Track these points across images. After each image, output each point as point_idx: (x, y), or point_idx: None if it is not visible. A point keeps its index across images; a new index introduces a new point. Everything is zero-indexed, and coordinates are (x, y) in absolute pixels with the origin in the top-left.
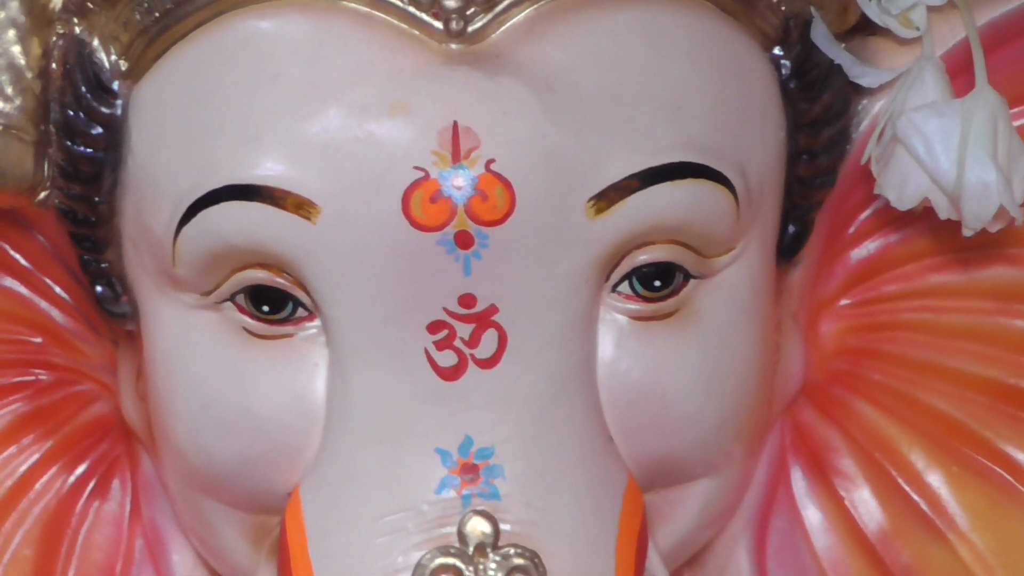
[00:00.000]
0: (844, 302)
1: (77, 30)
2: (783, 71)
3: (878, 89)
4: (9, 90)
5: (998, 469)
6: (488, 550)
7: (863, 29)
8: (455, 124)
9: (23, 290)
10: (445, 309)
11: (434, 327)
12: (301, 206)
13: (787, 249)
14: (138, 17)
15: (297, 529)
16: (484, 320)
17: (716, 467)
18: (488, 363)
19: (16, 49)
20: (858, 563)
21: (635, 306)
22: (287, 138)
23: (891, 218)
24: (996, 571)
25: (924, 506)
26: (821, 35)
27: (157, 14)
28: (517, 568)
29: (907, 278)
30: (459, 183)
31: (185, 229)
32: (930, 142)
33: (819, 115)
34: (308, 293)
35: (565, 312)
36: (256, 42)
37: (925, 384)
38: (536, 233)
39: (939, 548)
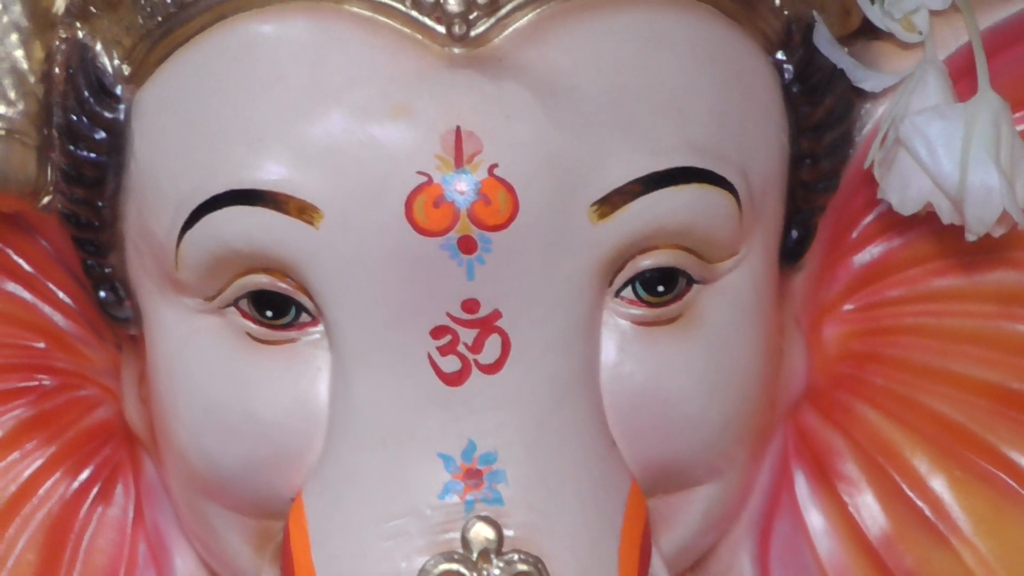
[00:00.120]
0: (847, 306)
1: (80, 34)
2: (785, 75)
3: (881, 93)
4: (12, 94)
5: (1001, 474)
6: (492, 556)
7: (866, 33)
8: (458, 128)
9: (26, 295)
10: (448, 314)
11: (437, 332)
12: (304, 210)
13: (790, 253)
14: (141, 21)
15: (300, 533)
16: (488, 325)
17: (719, 471)
18: (491, 368)
19: (19, 53)
20: (861, 567)
21: (638, 311)
22: (289, 141)
23: (894, 222)
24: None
25: (927, 511)
26: (823, 39)
27: (160, 18)
28: (521, 573)
29: (910, 282)
30: (462, 188)
31: (188, 234)
32: (933, 146)
33: (822, 119)
34: (311, 298)
35: (568, 317)
36: (258, 46)
37: (928, 388)
38: (539, 238)
39: (942, 553)
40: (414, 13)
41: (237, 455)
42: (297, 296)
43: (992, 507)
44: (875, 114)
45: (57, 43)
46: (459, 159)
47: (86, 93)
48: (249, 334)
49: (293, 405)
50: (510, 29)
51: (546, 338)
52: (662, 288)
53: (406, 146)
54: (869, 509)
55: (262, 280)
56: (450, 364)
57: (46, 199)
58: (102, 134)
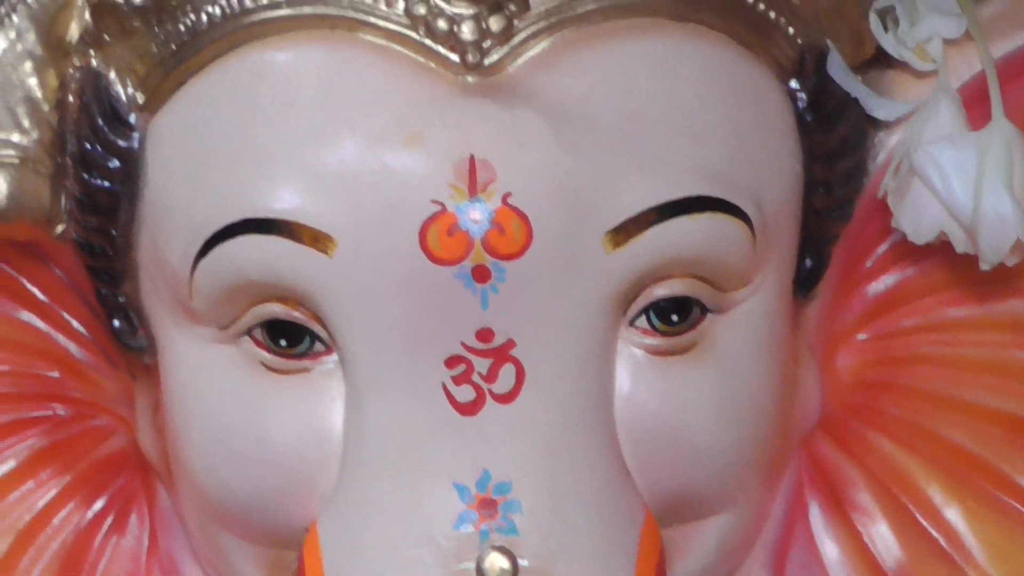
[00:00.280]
0: (861, 336)
1: (94, 62)
2: (799, 103)
3: (894, 122)
4: (26, 122)
5: (1015, 503)
6: None
7: (879, 61)
8: (471, 157)
9: (40, 324)
10: (463, 343)
11: (452, 362)
12: (317, 239)
13: (804, 282)
14: (155, 49)
15: (315, 563)
16: (502, 355)
17: (734, 501)
18: (506, 398)
19: (33, 81)
20: None
21: (652, 340)
22: (303, 170)
23: (908, 251)
24: None
25: (942, 540)
26: (837, 67)
27: (174, 46)
28: None
29: (924, 311)
30: (476, 216)
31: (202, 263)
32: (946, 175)
33: (835, 147)
34: (325, 327)
35: (582, 346)
36: (273, 74)
37: (942, 418)
38: (553, 266)
39: None
40: (428, 41)
41: (251, 484)
42: (311, 325)
43: (1007, 536)
44: (889, 143)
45: (71, 71)
46: (473, 187)
47: (100, 121)
48: (263, 363)
49: (307, 434)
50: (524, 57)
51: (560, 367)
52: (676, 317)
53: (420, 174)
54: (884, 539)
55: (276, 309)
56: (464, 393)
57: (60, 227)
58: (116, 162)
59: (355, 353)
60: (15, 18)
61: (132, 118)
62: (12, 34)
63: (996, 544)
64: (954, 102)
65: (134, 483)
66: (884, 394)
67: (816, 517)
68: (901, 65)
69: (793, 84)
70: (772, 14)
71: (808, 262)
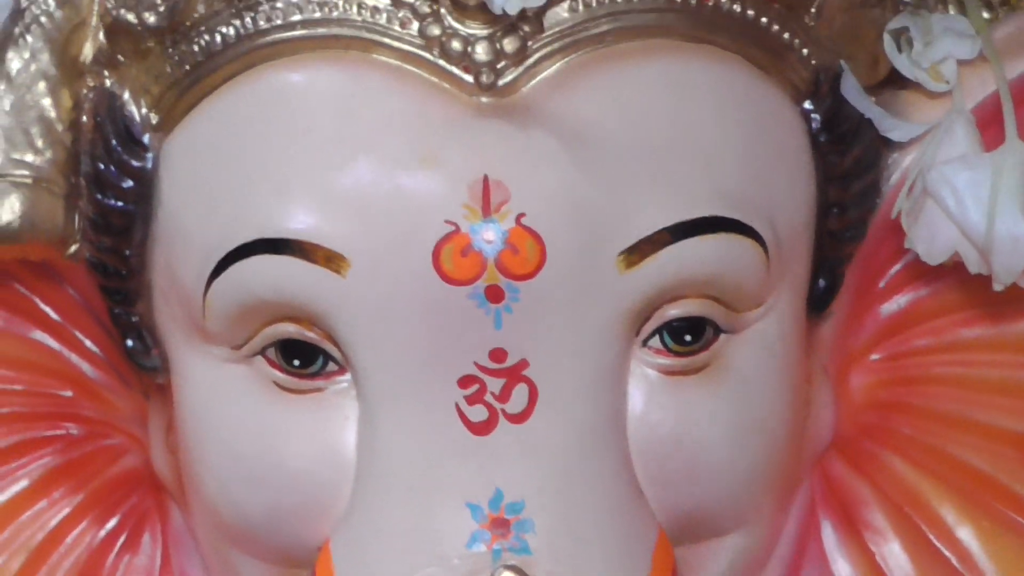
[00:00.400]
0: (874, 356)
1: (108, 82)
2: (813, 124)
3: (908, 142)
4: (40, 143)
5: None
6: None
7: (893, 82)
8: (485, 177)
9: (53, 343)
10: (476, 364)
11: (465, 382)
12: (331, 260)
13: (817, 302)
14: (169, 69)
15: None
16: (515, 375)
17: (746, 520)
18: (519, 418)
19: (47, 101)
20: None
21: (666, 361)
22: (318, 191)
23: (921, 272)
24: None
25: (954, 560)
26: (851, 88)
27: (188, 67)
28: None
29: (937, 332)
30: (490, 237)
31: (215, 282)
32: (960, 195)
33: (849, 168)
34: (338, 347)
35: (596, 366)
36: (287, 95)
37: (955, 438)
38: (567, 287)
39: None
40: (442, 62)
41: (264, 504)
42: (324, 345)
43: (1019, 557)
44: (902, 163)
45: (85, 91)
46: (487, 208)
47: (114, 142)
48: (276, 383)
49: (320, 454)
50: (538, 78)
51: (573, 387)
52: (689, 337)
53: (434, 195)
54: (896, 559)
55: (289, 329)
56: (477, 413)
57: (73, 248)
58: (130, 183)
59: (368, 373)
60: (29, 38)
61: (146, 138)
62: (27, 54)
63: (1009, 564)
64: (968, 123)
65: (147, 502)
66: (897, 414)
67: (829, 537)
68: (915, 86)
69: (807, 105)
70: (786, 35)
71: (821, 282)
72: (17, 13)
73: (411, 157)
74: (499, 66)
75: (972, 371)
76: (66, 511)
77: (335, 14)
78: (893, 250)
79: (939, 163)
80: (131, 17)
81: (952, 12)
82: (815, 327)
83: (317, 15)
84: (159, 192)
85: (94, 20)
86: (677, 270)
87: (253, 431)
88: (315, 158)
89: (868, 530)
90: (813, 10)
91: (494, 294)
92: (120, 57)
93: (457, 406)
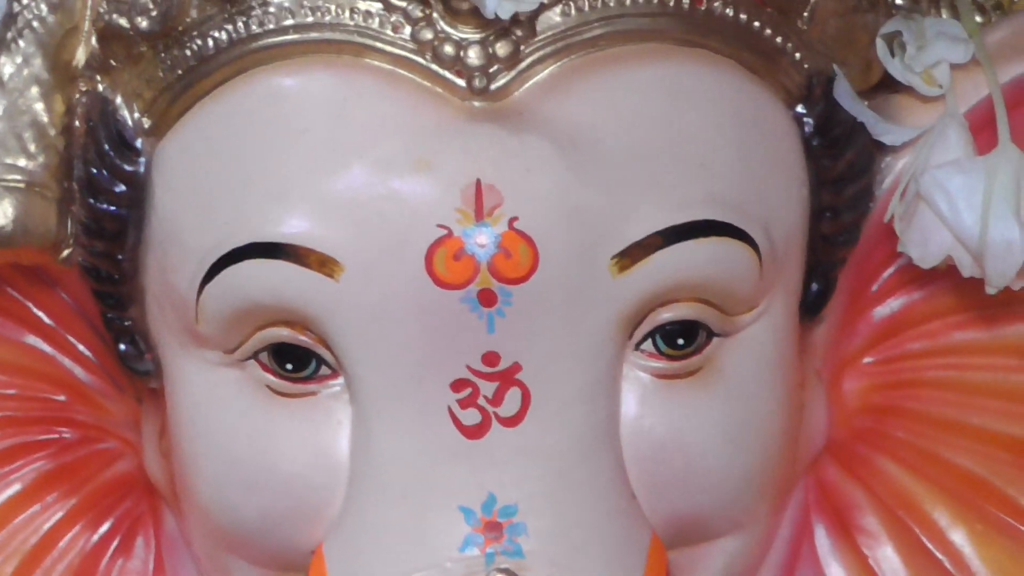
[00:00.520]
0: (867, 360)
1: (100, 87)
2: (806, 128)
3: (901, 146)
4: (32, 147)
5: (1022, 527)
6: None
7: (886, 86)
8: (478, 181)
9: (46, 348)
10: (468, 367)
11: (457, 385)
12: (324, 264)
13: (810, 306)
14: (161, 74)
15: None
16: (507, 378)
17: (740, 525)
18: (511, 421)
19: (39, 106)
20: None
21: (658, 364)
22: (311, 195)
23: (914, 276)
24: None
25: (948, 564)
26: (844, 92)
27: (180, 71)
28: None
29: (931, 336)
30: (482, 241)
31: (208, 287)
32: (953, 199)
33: (842, 172)
34: (331, 351)
35: (588, 370)
36: (280, 99)
37: (949, 442)
38: (559, 291)
39: None
40: (434, 67)
41: (258, 508)
42: (317, 349)
43: (1013, 560)
44: (895, 167)
45: (77, 96)
46: (479, 212)
47: (106, 146)
48: (269, 387)
49: (314, 458)
50: (530, 82)
51: (566, 391)
52: (682, 341)
53: (427, 199)
54: (889, 562)
55: (282, 333)
56: (470, 417)
57: (66, 252)
58: (122, 187)
59: (361, 376)
60: (22, 43)
61: (139, 143)
62: (19, 59)
63: (1002, 567)
64: (961, 127)
65: (140, 506)
66: (890, 418)
67: (822, 540)
68: (908, 90)
69: (800, 109)
70: (779, 40)
71: (815, 286)
72: (9, 18)
73: (404, 161)
74: (492, 70)
75: (965, 375)
76: (59, 515)
77: (327, 18)
78: (886, 254)
79: (932, 167)
80: (124, 22)
81: (945, 16)
82: (808, 331)
83: (309, 19)
84: (152, 196)
85: (87, 25)
86: (670, 274)
87: (246, 435)
88: (308, 162)
89: (861, 534)
90: (806, 14)
91: (487, 298)
92: (113, 62)
93: (450, 410)
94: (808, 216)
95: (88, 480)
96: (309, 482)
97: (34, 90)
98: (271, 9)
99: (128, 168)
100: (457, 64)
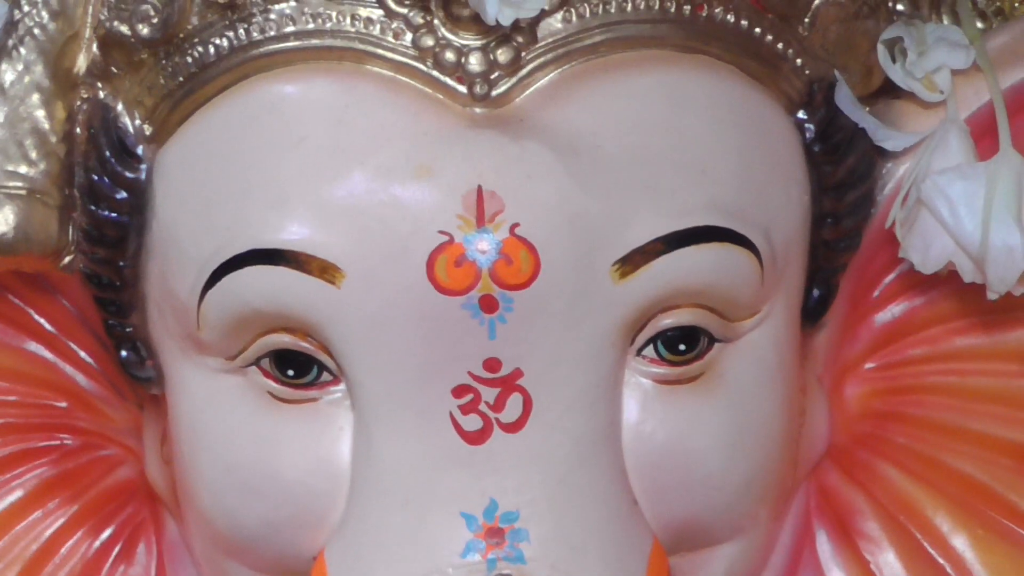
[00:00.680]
0: (869, 365)
1: (101, 94)
2: (807, 134)
3: (902, 152)
4: (33, 154)
5: (1023, 532)
6: None
7: (887, 92)
8: (479, 188)
9: (48, 355)
10: (470, 373)
11: (459, 391)
12: (326, 270)
13: (812, 312)
14: (162, 81)
15: None
16: (509, 384)
17: (741, 530)
18: (513, 427)
19: (40, 113)
20: None
21: (660, 370)
22: (312, 202)
23: (916, 281)
24: None
25: (949, 569)
26: (845, 98)
27: (181, 78)
28: None
29: (932, 341)
30: (483, 247)
31: (210, 293)
32: (954, 205)
33: (843, 178)
34: (333, 357)
35: (590, 376)
36: (281, 106)
37: (950, 447)
38: (561, 297)
39: None
40: (435, 73)
41: (259, 515)
42: (319, 355)
43: (1014, 565)
44: (897, 173)
45: (79, 103)
46: (480, 219)
47: (107, 153)
48: (271, 393)
49: (315, 464)
50: (531, 89)
51: (568, 397)
52: (683, 347)
53: (428, 206)
54: (891, 568)
55: (284, 339)
56: (472, 423)
57: (67, 259)
58: (123, 194)
59: (363, 383)
60: (23, 50)
61: (140, 150)
62: (20, 66)
63: (1003, 572)
64: (962, 132)
65: (142, 513)
66: (891, 423)
67: (823, 546)
68: (909, 96)
69: (801, 115)
70: (780, 46)
71: (816, 292)
72: (10, 25)
73: (405, 168)
74: (493, 77)
75: (966, 380)
76: (61, 522)
77: (328, 25)
78: (887, 260)
79: (933, 173)
80: (125, 29)
81: (946, 22)
82: (809, 337)
83: (311, 26)
84: (153, 203)
85: (88, 32)
86: (671, 280)
87: (247, 442)
88: (309, 169)
89: (863, 539)
90: (807, 20)
91: (488, 304)
92: (114, 69)
93: (451, 415)
94: (809, 222)
95: (90, 487)
96: (310, 488)
97: (35, 97)
98: (272, 16)
99: (129, 175)
100: (458, 71)
